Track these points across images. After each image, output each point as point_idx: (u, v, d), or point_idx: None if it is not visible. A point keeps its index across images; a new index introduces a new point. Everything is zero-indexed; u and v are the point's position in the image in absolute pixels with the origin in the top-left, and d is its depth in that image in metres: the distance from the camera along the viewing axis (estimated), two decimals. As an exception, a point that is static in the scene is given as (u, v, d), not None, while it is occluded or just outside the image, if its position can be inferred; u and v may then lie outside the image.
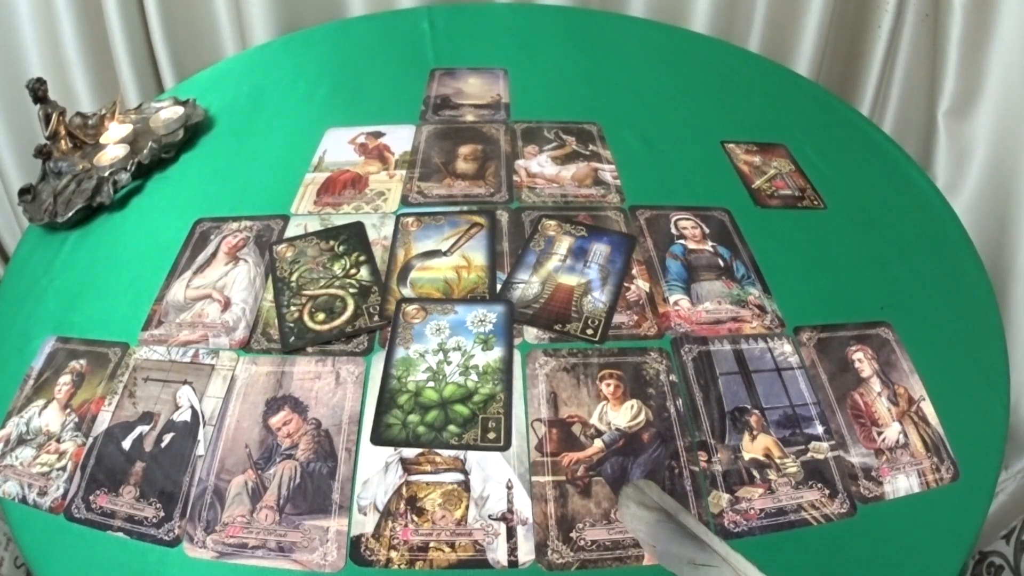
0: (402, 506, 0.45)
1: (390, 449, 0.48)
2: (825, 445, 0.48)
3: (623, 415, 0.49)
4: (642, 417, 0.49)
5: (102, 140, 0.75)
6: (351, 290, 0.58)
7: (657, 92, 0.83)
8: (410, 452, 0.47)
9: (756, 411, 0.50)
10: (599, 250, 0.61)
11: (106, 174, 0.70)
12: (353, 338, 0.55)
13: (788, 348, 0.54)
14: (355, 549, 0.43)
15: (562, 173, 0.70)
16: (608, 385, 0.51)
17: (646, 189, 0.68)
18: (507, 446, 0.48)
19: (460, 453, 0.47)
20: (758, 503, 0.45)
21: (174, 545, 0.44)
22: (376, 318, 0.56)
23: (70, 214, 0.66)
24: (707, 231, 0.63)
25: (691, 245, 0.62)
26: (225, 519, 0.45)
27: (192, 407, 0.51)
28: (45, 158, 0.73)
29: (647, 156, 0.73)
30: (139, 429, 0.50)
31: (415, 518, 0.44)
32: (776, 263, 0.60)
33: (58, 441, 0.50)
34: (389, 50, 0.94)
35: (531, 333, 0.54)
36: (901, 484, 0.46)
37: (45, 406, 0.52)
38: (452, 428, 0.48)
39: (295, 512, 0.45)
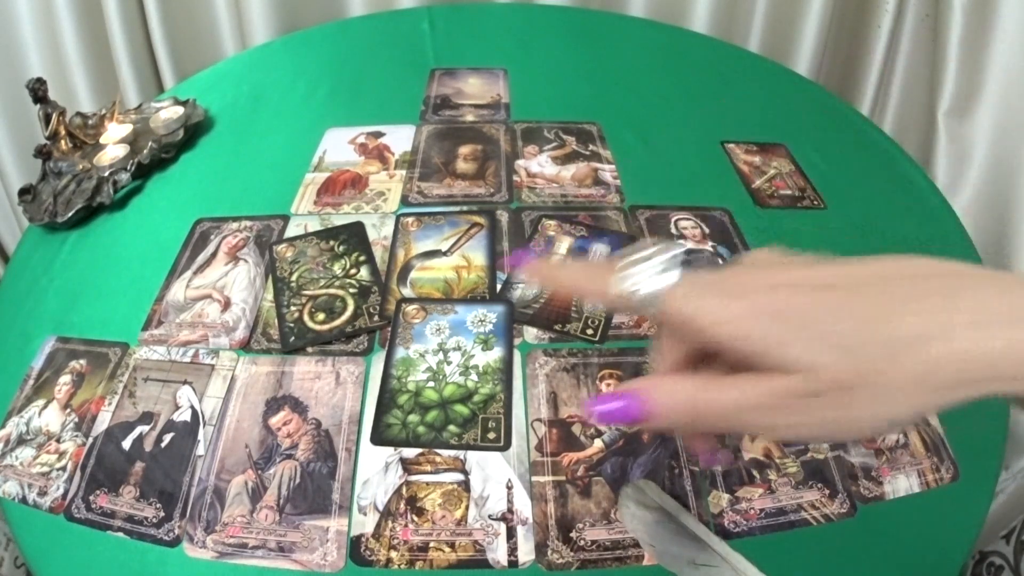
0: (402, 506, 0.45)
1: (390, 449, 0.48)
2: (825, 445, 0.48)
3: (623, 415, 0.49)
4: (642, 417, 0.49)
5: (102, 140, 0.75)
6: (351, 290, 0.58)
7: (657, 92, 0.83)
8: (410, 452, 0.48)
9: (756, 411, 0.50)
10: (599, 250, 0.61)
11: (106, 174, 0.70)
12: (353, 338, 0.55)
13: (788, 348, 0.54)
14: (355, 549, 0.43)
15: (562, 173, 0.70)
16: (608, 385, 0.51)
17: (646, 189, 0.68)
18: (507, 446, 0.48)
19: (460, 453, 0.47)
20: (758, 503, 0.45)
21: (174, 545, 0.44)
22: (376, 318, 0.56)
23: (70, 214, 0.66)
24: (707, 231, 0.63)
25: (691, 245, 0.62)
26: (225, 519, 0.45)
27: (192, 407, 0.51)
28: (45, 158, 0.73)
29: (647, 156, 0.73)
30: (139, 429, 0.50)
31: (415, 518, 0.44)
32: (776, 263, 0.60)
33: (58, 441, 0.50)
34: (389, 50, 0.94)
35: (531, 333, 0.54)
36: (901, 484, 0.46)
37: (45, 406, 0.52)
38: (452, 428, 0.48)
39: (295, 512, 0.45)
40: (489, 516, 0.44)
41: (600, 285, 0.29)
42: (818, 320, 0.25)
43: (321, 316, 0.56)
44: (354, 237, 0.63)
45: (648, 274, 0.28)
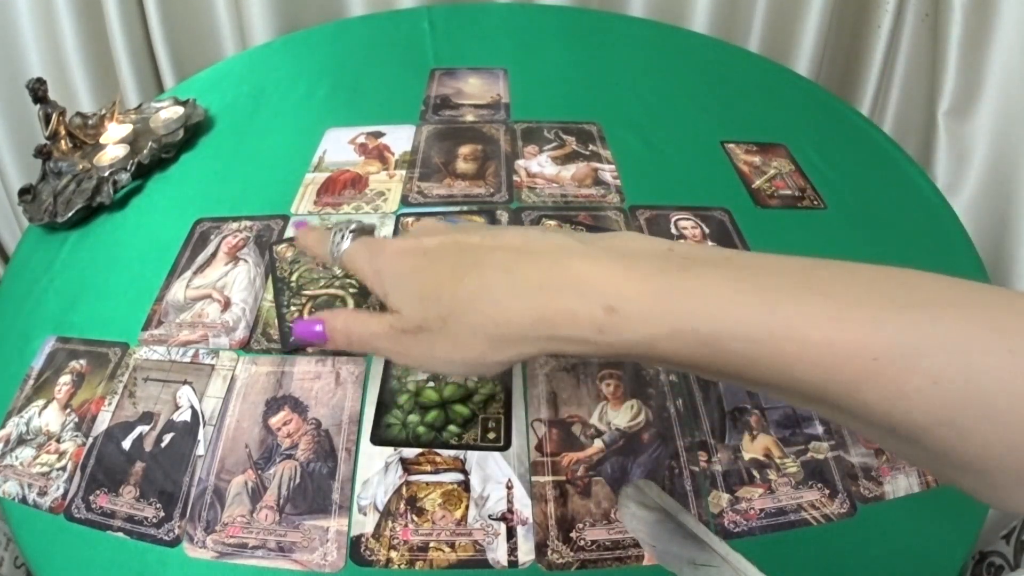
0: (402, 506, 0.45)
1: (390, 449, 0.48)
2: (825, 445, 0.48)
3: (623, 415, 0.49)
4: (642, 417, 0.49)
5: (102, 140, 0.75)
6: (351, 290, 0.58)
7: (657, 92, 0.83)
8: (410, 452, 0.48)
9: (756, 411, 0.50)
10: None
11: (106, 174, 0.70)
12: (353, 338, 0.54)
13: (788, 348, 0.53)
14: (355, 549, 0.43)
15: (562, 173, 0.70)
16: (608, 385, 0.51)
17: (646, 189, 0.68)
18: (507, 446, 0.48)
19: (460, 453, 0.47)
20: (758, 503, 0.45)
21: (174, 545, 0.44)
22: (376, 318, 0.56)
23: (70, 214, 0.66)
24: (707, 231, 0.63)
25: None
26: (225, 519, 0.45)
27: (192, 407, 0.51)
28: (45, 158, 0.73)
29: (647, 156, 0.73)
30: (139, 429, 0.50)
31: (415, 518, 0.44)
32: (776, 263, 0.60)
33: (58, 441, 0.50)
34: (389, 50, 0.94)
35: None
36: (901, 484, 0.46)
37: (45, 406, 0.52)
38: (452, 428, 0.48)
39: (295, 512, 0.45)
40: (489, 516, 0.44)
41: (322, 247, 0.37)
42: (408, 277, 0.33)
43: (321, 316, 0.56)
44: (354, 237, 0.63)
45: (342, 237, 0.36)
